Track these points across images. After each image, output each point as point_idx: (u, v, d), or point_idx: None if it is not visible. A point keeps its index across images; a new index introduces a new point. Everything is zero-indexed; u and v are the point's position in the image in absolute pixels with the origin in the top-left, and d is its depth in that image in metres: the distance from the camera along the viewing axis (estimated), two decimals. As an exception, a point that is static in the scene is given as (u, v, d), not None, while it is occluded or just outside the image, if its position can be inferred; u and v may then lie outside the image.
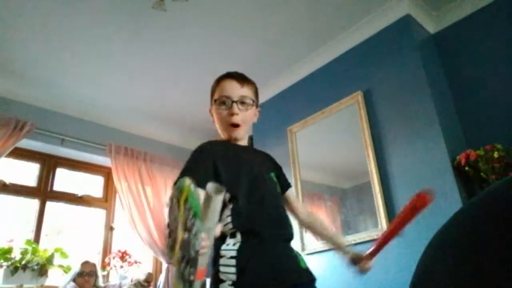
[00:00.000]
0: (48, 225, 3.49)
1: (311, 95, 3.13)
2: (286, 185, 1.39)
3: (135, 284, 3.08)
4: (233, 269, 1.01)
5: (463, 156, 2.13)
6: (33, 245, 2.90)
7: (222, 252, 1.05)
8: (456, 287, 0.29)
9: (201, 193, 0.80)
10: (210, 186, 0.80)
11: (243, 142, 1.31)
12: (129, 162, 3.78)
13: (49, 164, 3.64)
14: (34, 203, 3.45)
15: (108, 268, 3.43)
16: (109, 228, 3.81)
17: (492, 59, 2.44)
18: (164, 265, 3.67)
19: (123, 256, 3.42)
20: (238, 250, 1.04)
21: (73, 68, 3.17)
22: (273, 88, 3.47)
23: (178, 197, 0.76)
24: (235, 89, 1.24)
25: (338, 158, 2.90)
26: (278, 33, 2.89)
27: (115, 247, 3.68)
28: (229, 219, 1.11)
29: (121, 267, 3.38)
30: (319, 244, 2.69)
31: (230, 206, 1.12)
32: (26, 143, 3.33)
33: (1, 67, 3.11)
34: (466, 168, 2.12)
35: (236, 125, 1.23)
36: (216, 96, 1.27)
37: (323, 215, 2.83)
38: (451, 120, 2.46)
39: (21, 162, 3.51)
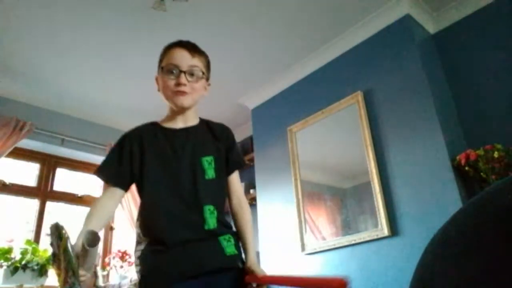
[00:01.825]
0: (48, 225, 3.49)
1: (311, 95, 3.13)
2: (230, 168, 1.25)
3: (135, 284, 3.08)
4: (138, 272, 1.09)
5: (463, 156, 2.13)
6: (33, 245, 2.90)
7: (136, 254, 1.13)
8: (456, 287, 0.29)
9: (78, 244, 0.96)
10: (85, 237, 0.95)
11: (191, 115, 1.24)
12: (129, 162, 3.78)
13: (49, 164, 3.64)
14: (34, 203, 3.45)
15: (108, 268, 3.43)
16: (109, 228, 3.81)
17: (492, 59, 2.44)
18: (164, 265, 3.67)
19: (123, 256, 3.42)
20: (141, 257, 1.10)
21: (73, 68, 3.17)
22: (273, 88, 3.47)
23: (58, 242, 0.99)
24: (185, 59, 1.18)
25: (338, 158, 2.90)
26: (278, 33, 2.89)
27: (115, 247, 3.68)
28: (137, 223, 1.15)
29: (121, 267, 3.38)
30: (319, 244, 2.70)
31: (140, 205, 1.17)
32: (26, 143, 3.33)
33: (1, 67, 3.11)
34: (466, 168, 2.12)
35: (182, 92, 1.16)
36: (163, 64, 1.20)
37: (323, 215, 2.83)
38: (451, 120, 2.46)
39: (21, 162, 3.51)
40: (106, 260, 3.48)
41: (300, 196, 2.92)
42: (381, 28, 2.75)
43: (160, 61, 1.24)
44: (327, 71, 3.08)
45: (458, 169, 2.17)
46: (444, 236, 0.34)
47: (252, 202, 3.60)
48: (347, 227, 2.61)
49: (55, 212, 3.62)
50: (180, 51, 1.20)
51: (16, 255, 2.80)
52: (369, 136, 2.57)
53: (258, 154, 3.48)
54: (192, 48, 1.23)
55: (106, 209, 1.11)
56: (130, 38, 2.86)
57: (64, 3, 2.51)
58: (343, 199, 2.76)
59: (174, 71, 1.17)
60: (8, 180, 3.31)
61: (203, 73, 1.21)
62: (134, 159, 1.14)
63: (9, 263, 2.75)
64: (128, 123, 4.22)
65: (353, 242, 2.49)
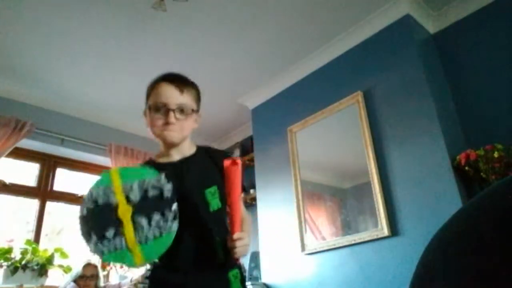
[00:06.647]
0: (48, 225, 3.49)
1: (311, 95, 3.13)
2: None
3: (135, 284, 3.08)
4: None
5: (463, 156, 2.13)
6: (33, 245, 2.90)
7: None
8: (456, 287, 0.29)
9: None
10: None
11: (185, 146, 1.19)
12: (129, 162, 3.78)
13: (49, 164, 3.64)
14: (34, 203, 3.45)
15: (108, 268, 3.43)
16: (109, 228, 3.81)
17: (492, 59, 2.44)
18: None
19: (123, 256, 3.42)
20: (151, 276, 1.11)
21: (73, 69, 3.17)
22: (273, 88, 3.47)
23: None
24: (173, 96, 1.13)
25: (338, 158, 2.90)
26: (278, 33, 2.89)
27: (115, 247, 3.68)
28: None
29: (121, 267, 3.38)
30: (319, 244, 2.70)
31: None
32: (26, 143, 3.33)
33: (2, 67, 3.11)
34: (466, 168, 2.12)
35: (171, 131, 1.13)
36: (150, 101, 1.16)
37: (323, 215, 2.83)
38: (451, 120, 2.46)
39: (21, 162, 3.51)
40: (106, 260, 3.48)
41: (300, 196, 2.92)
42: (381, 28, 2.75)
43: (147, 96, 1.20)
44: (327, 71, 3.08)
45: (458, 169, 2.17)
46: (444, 236, 0.34)
47: (252, 202, 3.60)
48: (347, 227, 2.61)
49: (55, 212, 3.62)
50: (167, 87, 1.14)
51: (16, 255, 2.80)
52: (369, 136, 2.57)
53: (258, 154, 3.48)
54: (181, 83, 1.16)
55: None
56: (130, 38, 2.86)
57: (64, 3, 2.51)
58: (343, 199, 2.76)
59: (162, 110, 1.12)
60: (8, 180, 3.31)
61: (192, 110, 1.16)
62: None
63: (9, 263, 2.75)
64: (128, 123, 4.24)
65: (353, 242, 2.49)
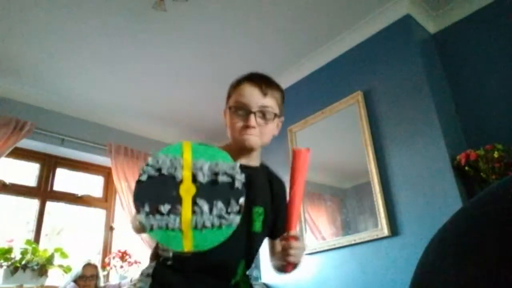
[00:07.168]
0: (48, 225, 3.49)
1: (311, 95, 3.13)
2: (274, 235, 1.17)
3: (134, 284, 3.08)
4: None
5: (463, 156, 2.13)
6: (33, 245, 2.90)
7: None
8: (456, 286, 0.29)
9: None
10: None
11: (254, 154, 1.14)
12: (129, 162, 3.78)
13: (49, 164, 3.64)
14: (34, 203, 3.45)
15: (108, 268, 3.43)
16: (109, 228, 3.81)
17: (492, 59, 2.44)
18: (164, 265, 3.66)
19: (123, 256, 3.42)
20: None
21: (74, 69, 3.17)
22: (273, 88, 3.47)
23: None
24: (255, 98, 1.05)
25: (338, 158, 2.90)
26: (277, 33, 2.89)
27: (115, 247, 3.68)
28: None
29: (121, 267, 3.38)
30: (319, 244, 2.70)
31: None
32: (26, 143, 3.33)
33: (2, 67, 3.11)
34: (466, 168, 2.12)
35: (250, 135, 1.07)
36: (231, 102, 1.09)
37: (323, 215, 2.83)
38: (451, 120, 2.46)
39: (21, 162, 3.51)
40: (106, 260, 3.48)
41: (300, 196, 2.92)
42: (381, 28, 2.75)
43: (228, 96, 1.13)
44: (327, 71, 3.08)
45: (458, 169, 2.17)
46: (444, 236, 0.34)
47: (252, 202, 3.60)
48: (347, 227, 2.61)
49: (55, 212, 3.62)
50: (250, 88, 1.07)
51: (16, 255, 2.80)
52: (369, 136, 2.57)
53: (258, 154, 3.48)
54: (265, 84, 1.08)
55: None
56: (131, 38, 2.86)
57: (64, 5, 2.51)
58: (343, 199, 2.76)
59: (243, 111, 1.06)
60: (8, 180, 3.31)
61: (275, 114, 1.09)
62: None
63: (9, 263, 2.75)
64: (128, 123, 4.23)
65: (353, 242, 2.49)
